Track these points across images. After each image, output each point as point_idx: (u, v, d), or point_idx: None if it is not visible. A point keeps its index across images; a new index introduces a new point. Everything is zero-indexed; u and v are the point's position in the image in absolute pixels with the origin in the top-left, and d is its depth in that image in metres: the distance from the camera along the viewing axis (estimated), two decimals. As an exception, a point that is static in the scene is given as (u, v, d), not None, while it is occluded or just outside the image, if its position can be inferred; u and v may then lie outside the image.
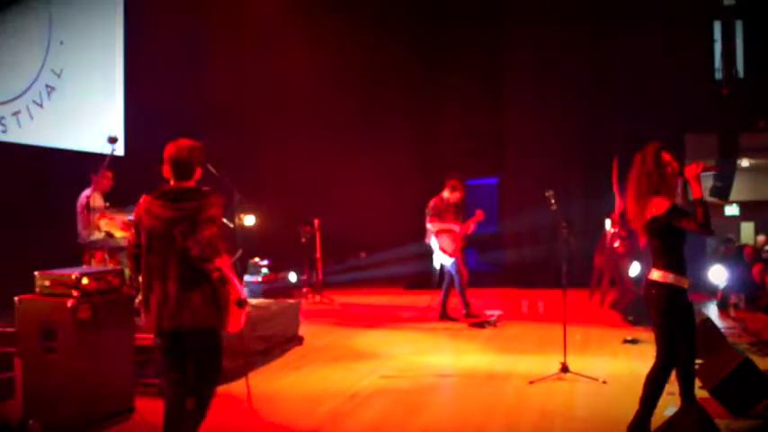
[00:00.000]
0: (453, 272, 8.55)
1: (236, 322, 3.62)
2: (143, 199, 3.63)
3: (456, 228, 8.54)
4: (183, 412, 3.64)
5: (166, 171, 3.64)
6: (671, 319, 3.92)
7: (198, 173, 3.67)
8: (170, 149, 3.62)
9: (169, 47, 9.38)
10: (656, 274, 3.95)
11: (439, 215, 8.53)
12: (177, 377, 3.64)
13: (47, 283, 4.40)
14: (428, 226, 8.56)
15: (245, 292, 3.75)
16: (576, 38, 12.40)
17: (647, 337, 7.48)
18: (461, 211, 8.76)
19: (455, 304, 8.78)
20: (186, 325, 3.51)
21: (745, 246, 11.54)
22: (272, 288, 9.15)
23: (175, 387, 3.64)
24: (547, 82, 12.59)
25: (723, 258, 11.19)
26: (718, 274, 10.12)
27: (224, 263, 3.53)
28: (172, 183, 3.64)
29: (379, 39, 12.83)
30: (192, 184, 3.65)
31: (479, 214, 8.69)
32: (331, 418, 4.85)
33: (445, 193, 8.64)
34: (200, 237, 3.42)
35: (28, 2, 7.95)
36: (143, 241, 3.59)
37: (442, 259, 8.58)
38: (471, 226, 8.68)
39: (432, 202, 8.64)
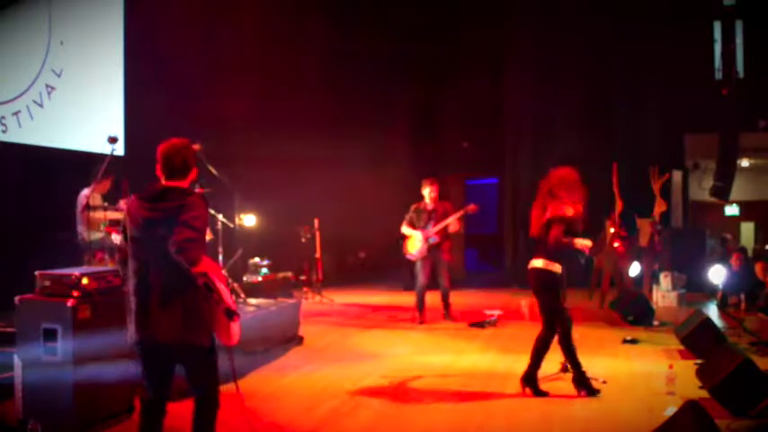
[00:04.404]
0: (417, 274, 8.55)
1: (227, 334, 3.32)
2: (130, 199, 3.49)
3: (418, 234, 8.37)
4: (161, 413, 3.50)
5: (158, 169, 3.48)
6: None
7: (192, 173, 3.50)
8: (161, 147, 3.48)
9: (169, 46, 9.37)
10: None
11: (411, 220, 8.51)
12: (158, 381, 3.47)
13: (47, 283, 4.39)
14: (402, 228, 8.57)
15: (233, 300, 3.38)
16: (576, 38, 12.41)
17: (647, 336, 7.55)
18: (440, 218, 8.41)
19: (455, 303, 8.79)
20: (165, 339, 3.30)
21: (743, 248, 11.53)
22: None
23: (156, 389, 3.48)
24: (547, 82, 12.60)
25: (722, 258, 11.19)
26: (717, 274, 10.12)
27: (210, 269, 3.23)
28: (161, 182, 3.46)
29: (379, 39, 12.83)
30: (183, 184, 3.44)
31: (472, 207, 8.49)
32: (331, 418, 4.85)
33: (424, 193, 8.55)
34: (173, 239, 3.17)
35: (28, 2, 7.94)
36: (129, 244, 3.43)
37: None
38: (453, 222, 8.35)
39: (413, 207, 8.62)
